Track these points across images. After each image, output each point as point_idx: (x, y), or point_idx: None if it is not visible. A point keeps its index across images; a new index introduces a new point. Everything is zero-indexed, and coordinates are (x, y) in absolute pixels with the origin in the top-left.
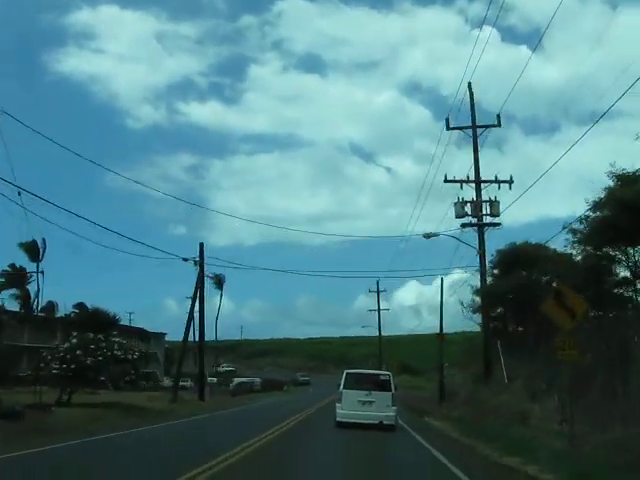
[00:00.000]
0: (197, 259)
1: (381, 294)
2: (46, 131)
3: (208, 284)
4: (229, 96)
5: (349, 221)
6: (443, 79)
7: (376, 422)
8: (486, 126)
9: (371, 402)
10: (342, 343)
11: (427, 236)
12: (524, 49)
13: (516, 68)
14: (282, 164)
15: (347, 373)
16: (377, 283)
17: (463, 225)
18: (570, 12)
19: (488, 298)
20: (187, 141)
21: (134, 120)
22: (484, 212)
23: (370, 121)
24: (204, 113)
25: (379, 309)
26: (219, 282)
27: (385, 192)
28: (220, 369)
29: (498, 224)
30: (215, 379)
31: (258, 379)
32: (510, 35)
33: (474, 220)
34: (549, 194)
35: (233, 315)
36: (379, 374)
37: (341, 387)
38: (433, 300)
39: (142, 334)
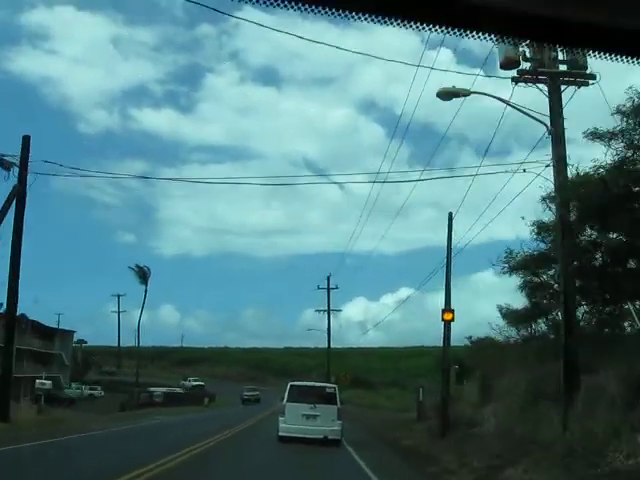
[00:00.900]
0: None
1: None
2: None
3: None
4: (184, 105)
5: (300, 235)
6: (398, 98)
7: (321, 437)
8: None
9: (316, 416)
10: (286, 353)
11: (447, 94)
12: (478, 72)
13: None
14: (234, 175)
15: (291, 385)
16: (327, 279)
17: (517, 76)
18: None
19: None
20: (139, 148)
21: (86, 124)
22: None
23: (324, 137)
24: (158, 121)
25: (329, 309)
26: (143, 275)
27: (337, 208)
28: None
29: (589, 78)
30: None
31: (161, 390)
32: (465, 58)
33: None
34: (501, 216)
35: (177, 323)
36: (324, 387)
37: (284, 400)
38: (379, 316)
39: (42, 331)
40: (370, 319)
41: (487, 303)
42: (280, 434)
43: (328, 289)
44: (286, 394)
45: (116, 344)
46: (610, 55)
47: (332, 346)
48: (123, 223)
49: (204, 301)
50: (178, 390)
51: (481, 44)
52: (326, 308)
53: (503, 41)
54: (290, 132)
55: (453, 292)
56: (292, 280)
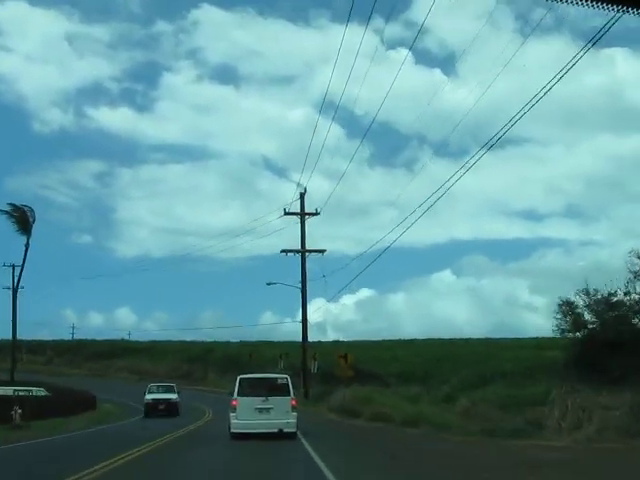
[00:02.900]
0: None
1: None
2: None
3: None
4: (141, 103)
5: (258, 236)
6: (357, 98)
7: (275, 430)
8: None
9: (269, 409)
10: (238, 345)
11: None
12: (437, 72)
13: (429, 91)
14: (193, 175)
15: (241, 378)
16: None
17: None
18: (482, 39)
19: None
20: (96, 148)
21: (41, 124)
22: None
23: (283, 136)
24: (114, 119)
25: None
26: (23, 220)
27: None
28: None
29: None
30: None
31: None
32: (424, 58)
33: None
34: (456, 216)
35: (121, 320)
36: (276, 377)
37: (235, 394)
38: (340, 318)
39: None
40: (330, 321)
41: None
42: (232, 431)
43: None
44: (236, 388)
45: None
46: None
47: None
48: (79, 224)
49: (156, 300)
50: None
51: None
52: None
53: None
54: (249, 131)
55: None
56: (250, 281)
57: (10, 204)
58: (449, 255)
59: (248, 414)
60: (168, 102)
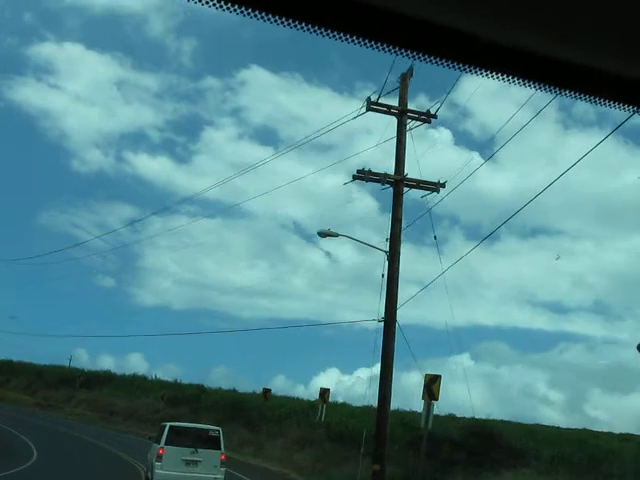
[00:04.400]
0: None
1: None
2: None
3: None
4: (180, 155)
5: (281, 299)
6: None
7: None
8: None
9: (197, 462)
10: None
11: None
12: (475, 155)
13: (465, 172)
14: (222, 232)
15: (170, 426)
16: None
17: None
18: (524, 127)
19: None
20: (130, 193)
21: (80, 163)
22: None
23: (316, 203)
24: (152, 168)
25: None
26: None
27: (321, 276)
28: None
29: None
30: None
31: None
32: (463, 139)
33: None
34: (481, 300)
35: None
36: (208, 429)
37: (162, 442)
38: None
39: None
40: (342, 392)
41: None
42: None
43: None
44: (164, 435)
45: None
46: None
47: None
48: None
49: (168, 353)
50: None
51: None
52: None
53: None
54: (282, 194)
55: None
56: (267, 342)
57: None
58: (469, 339)
59: (174, 465)
60: (206, 156)
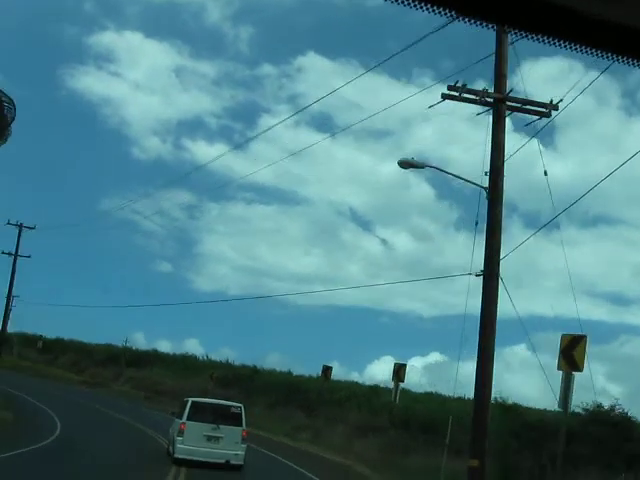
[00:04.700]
0: None
1: None
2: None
3: None
4: (237, 141)
5: (336, 286)
6: (451, 160)
7: (222, 461)
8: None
9: (218, 437)
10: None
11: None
12: (534, 142)
13: (525, 159)
14: (278, 218)
15: (192, 402)
16: None
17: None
18: (585, 113)
19: None
20: (188, 179)
21: (140, 150)
22: None
23: (372, 190)
24: (209, 154)
25: None
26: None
27: (377, 263)
28: None
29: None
30: None
31: None
32: (523, 126)
33: None
34: (539, 290)
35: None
36: (230, 406)
37: (184, 418)
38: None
39: None
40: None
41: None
42: (176, 456)
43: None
44: (186, 411)
45: None
46: None
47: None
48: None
49: (223, 337)
50: None
51: None
52: None
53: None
54: (339, 181)
55: None
56: (321, 330)
57: None
58: (527, 329)
59: (196, 440)
60: (263, 143)
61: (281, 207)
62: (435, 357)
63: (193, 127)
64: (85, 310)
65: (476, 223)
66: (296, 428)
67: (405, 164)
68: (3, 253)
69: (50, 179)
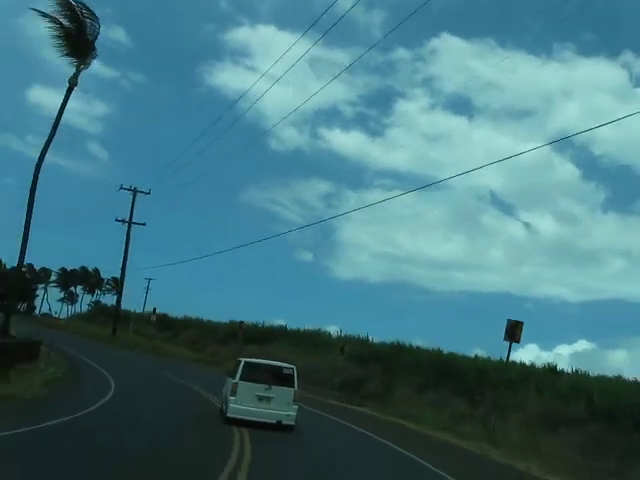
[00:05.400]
0: None
1: None
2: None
3: None
4: (373, 128)
5: (477, 273)
6: (597, 137)
7: (273, 421)
8: None
9: (270, 398)
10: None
11: None
12: None
13: None
14: (417, 204)
15: (245, 362)
16: None
17: None
18: None
19: None
20: (325, 169)
21: (277, 141)
22: None
23: (514, 172)
24: (346, 143)
25: None
26: (76, 31)
27: (520, 248)
28: None
29: None
30: None
31: None
32: None
33: None
34: None
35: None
36: (281, 367)
37: (237, 378)
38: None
39: None
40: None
41: None
42: (228, 415)
43: None
44: (239, 371)
45: None
46: None
47: None
48: (302, 241)
49: (363, 325)
50: None
51: None
52: None
53: None
54: (478, 164)
55: None
56: (461, 317)
57: None
58: None
59: (248, 400)
60: (399, 129)
61: (419, 193)
62: (583, 345)
63: (329, 116)
64: (217, 293)
65: None
66: (456, 418)
67: None
68: (117, 221)
69: (192, 170)
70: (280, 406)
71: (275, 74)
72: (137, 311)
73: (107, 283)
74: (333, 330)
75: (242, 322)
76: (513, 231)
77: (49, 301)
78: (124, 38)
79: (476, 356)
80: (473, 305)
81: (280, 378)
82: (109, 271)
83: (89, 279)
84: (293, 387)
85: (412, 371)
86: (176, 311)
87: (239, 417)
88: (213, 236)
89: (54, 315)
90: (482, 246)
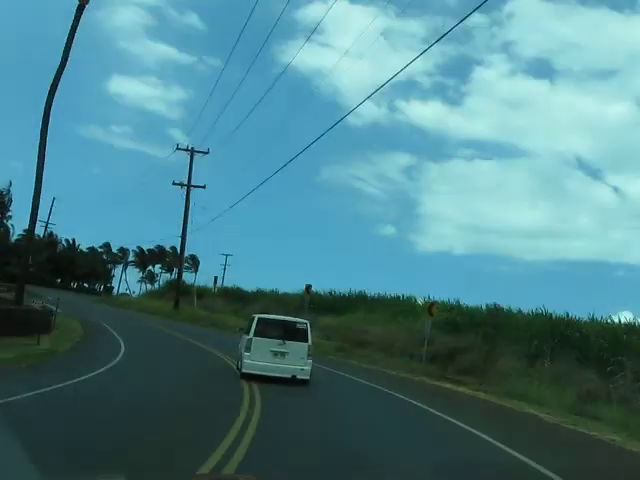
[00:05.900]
0: None
1: None
2: (270, 119)
3: None
4: (451, 97)
5: (565, 240)
6: None
7: (288, 376)
8: None
9: (284, 353)
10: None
11: None
12: None
13: None
14: (500, 173)
15: (258, 318)
16: None
17: None
18: None
19: None
20: (405, 141)
21: (355, 117)
22: None
23: (600, 135)
24: (425, 114)
25: None
26: None
27: (610, 213)
28: None
29: None
30: None
31: None
32: None
33: None
34: None
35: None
36: (295, 322)
37: (251, 334)
38: None
39: None
40: None
41: None
42: (243, 371)
43: None
44: (252, 327)
45: None
46: None
47: None
48: (385, 216)
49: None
50: None
51: None
52: None
53: None
54: (563, 128)
55: None
56: (553, 285)
57: None
58: None
59: (262, 356)
60: (478, 97)
61: (502, 161)
62: None
63: (406, 88)
64: (297, 269)
65: None
66: (588, 399)
67: None
68: (174, 184)
69: (274, 150)
70: (294, 361)
71: (350, 49)
72: (208, 286)
73: (185, 261)
74: (420, 298)
75: (309, 285)
76: (601, 196)
77: (127, 280)
78: (198, 23)
79: (593, 318)
80: (564, 273)
81: (294, 333)
82: (188, 249)
83: (166, 257)
84: (307, 342)
85: (517, 337)
86: (253, 286)
87: (254, 372)
88: (295, 216)
89: (132, 294)
90: (570, 213)
